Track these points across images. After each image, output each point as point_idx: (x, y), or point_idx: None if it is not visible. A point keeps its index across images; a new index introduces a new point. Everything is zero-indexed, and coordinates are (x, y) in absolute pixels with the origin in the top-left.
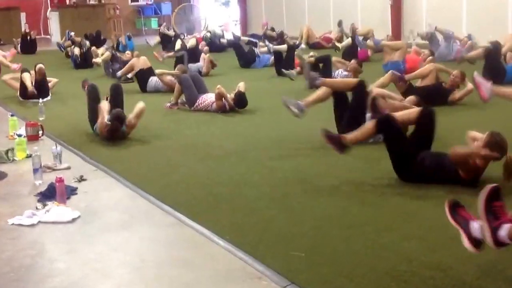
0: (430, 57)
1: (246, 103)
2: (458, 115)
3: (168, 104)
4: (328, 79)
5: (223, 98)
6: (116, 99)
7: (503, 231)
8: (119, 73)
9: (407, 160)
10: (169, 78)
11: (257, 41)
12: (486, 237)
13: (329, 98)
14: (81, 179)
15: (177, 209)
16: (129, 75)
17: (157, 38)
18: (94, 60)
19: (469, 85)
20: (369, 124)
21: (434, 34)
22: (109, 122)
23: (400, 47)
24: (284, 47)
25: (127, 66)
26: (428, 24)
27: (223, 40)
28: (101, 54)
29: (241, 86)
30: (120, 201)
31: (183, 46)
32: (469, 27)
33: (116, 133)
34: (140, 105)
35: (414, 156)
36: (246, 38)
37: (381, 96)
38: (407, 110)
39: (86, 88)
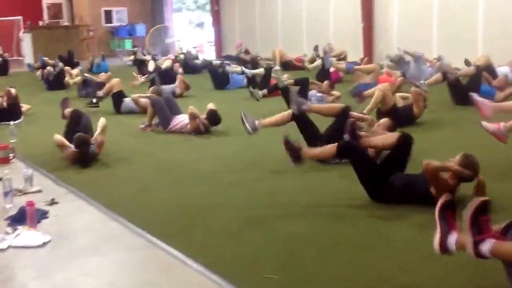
0: (399, 80)
1: (219, 120)
2: (427, 135)
3: (142, 126)
4: (314, 105)
5: (196, 118)
6: (78, 123)
7: (486, 245)
8: (100, 93)
9: (376, 182)
10: (144, 101)
11: (229, 62)
12: (468, 248)
13: (286, 123)
14: (52, 202)
15: (150, 232)
16: (101, 93)
17: (130, 57)
18: (66, 79)
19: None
20: (331, 146)
21: (402, 57)
22: (77, 150)
23: (372, 70)
24: (261, 70)
25: (107, 86)
26: (397, 48)
27: (197, 61)
28: (76, 75)
29: (211, 106)
30: (92, 225)
31: (157, 67)
32: (440, 48)
33: (87, 157)
34: (101, 121)
35: (385, 178)
36: (218, 62)
37: (356, 119)
38: (384, 135)
39: (64, 110)
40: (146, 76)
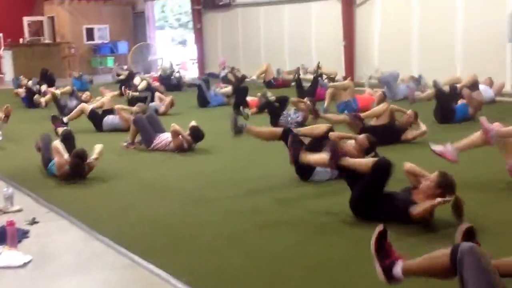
0: (379, 94)
1: (203, 135)
2: (409, 153)
3: (125, 144)
4: (253, 129)
5: (179, 135)
6: (69, 146)
7: (397, 268)
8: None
9: (369, 200)
10: (127, 114)
11: (201, 82)
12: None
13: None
14: (33, 221)
15: (132, 251)
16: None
17: (124, 73)
18: (38, 99)
19: (422, 127)
20: (368, 160)
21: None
22: (69, 159)
23: (347, 86)
24: (228, 90)
25: (100, 102)
26: (363, 73)
27: (190, 80)
28: (45, 101)
29: (193, 123)
30: (74, 244)
31: (134, 86)
32: (420, 67)
33: (77, 170)
34: (98, 146)
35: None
36: (188, 80)
37: (337, 138)
38: (363, 160)
39: (55, 129)
40: (141, 90)
